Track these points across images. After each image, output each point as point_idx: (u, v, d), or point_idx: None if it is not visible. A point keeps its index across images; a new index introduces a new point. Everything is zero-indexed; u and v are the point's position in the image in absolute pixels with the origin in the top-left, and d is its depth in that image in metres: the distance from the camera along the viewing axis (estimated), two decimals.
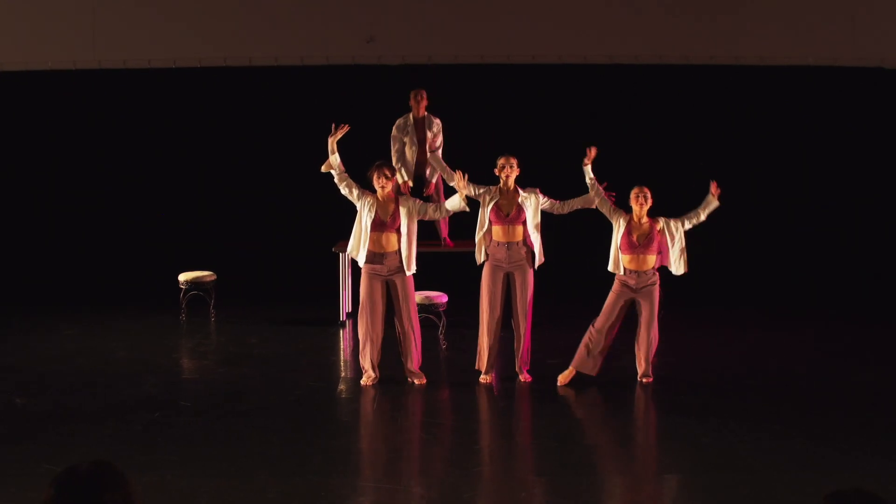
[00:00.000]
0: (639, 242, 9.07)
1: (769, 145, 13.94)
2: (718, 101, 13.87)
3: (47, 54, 13.23)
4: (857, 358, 10.41)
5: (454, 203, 9.29)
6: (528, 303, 9.41)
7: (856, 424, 8.20)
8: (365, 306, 9.27)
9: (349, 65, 13.42)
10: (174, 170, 13.89)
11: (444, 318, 10.82)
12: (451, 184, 9.45)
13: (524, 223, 9.32)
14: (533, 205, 9.31)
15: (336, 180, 9.20)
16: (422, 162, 11.58)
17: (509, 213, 9.29)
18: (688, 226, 9.18)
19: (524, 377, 9.47)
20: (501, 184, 9.33)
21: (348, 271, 11.88)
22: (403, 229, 9.14)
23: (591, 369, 9.31)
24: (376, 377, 9.39)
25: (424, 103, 11.55)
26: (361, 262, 9.20)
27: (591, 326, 9.30)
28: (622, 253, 9.10)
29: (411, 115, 11.57)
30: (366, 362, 9.38)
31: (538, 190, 9.36)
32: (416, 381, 9.40)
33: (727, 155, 13.76)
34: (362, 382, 9.34)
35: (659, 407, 8.94)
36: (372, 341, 9.32)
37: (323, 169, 9.29)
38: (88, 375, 9.69)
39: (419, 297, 10.25)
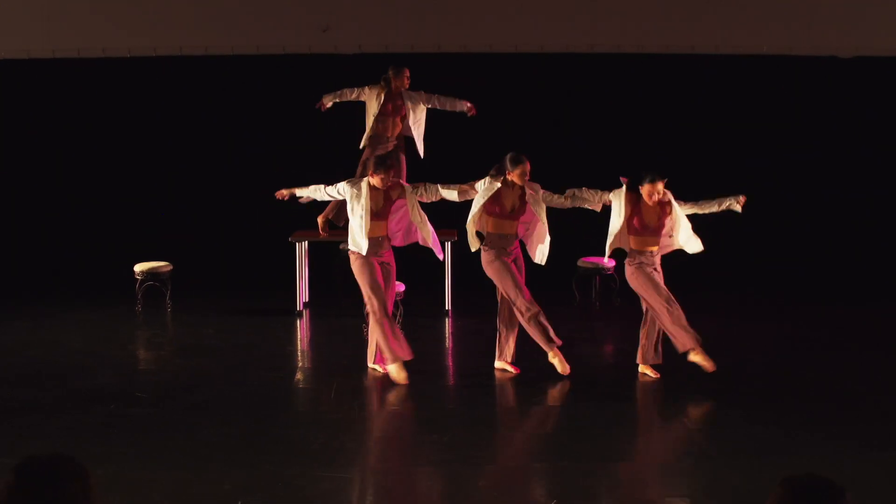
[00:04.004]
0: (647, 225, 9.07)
1: (724, 134, 14.00)
2: (673, 90, 13.92)
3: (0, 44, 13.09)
4: (817, 344, 10.51)
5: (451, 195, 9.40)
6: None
7: (812, 411, 8.27)
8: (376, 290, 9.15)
9: (305, 54, 13.36)
10: (129, 160, 13.78)
11: (401, 308, 10.82)
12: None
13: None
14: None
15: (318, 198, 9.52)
16: (386, 136, 11.38)
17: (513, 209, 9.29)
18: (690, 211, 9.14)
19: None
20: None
21: (305, 261, 11.87)
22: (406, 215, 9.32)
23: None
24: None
25: (406, 81, 11.32)
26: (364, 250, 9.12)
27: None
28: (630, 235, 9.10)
29: (384, 91, 11.29)
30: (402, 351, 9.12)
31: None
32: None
33: (684, 143, 13.81)
34: (401, 378, 9.11)
35: (614, 395, 8.98)
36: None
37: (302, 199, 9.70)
38: (43, 367, 9.63)
39: None
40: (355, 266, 9.15)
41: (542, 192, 9.20)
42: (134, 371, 9.76)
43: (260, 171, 13.58)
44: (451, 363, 9.97)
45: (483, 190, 9.13)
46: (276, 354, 10.23)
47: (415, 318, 10.35)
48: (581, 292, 12.28)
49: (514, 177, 9.07)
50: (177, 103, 13.69)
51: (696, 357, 8.94)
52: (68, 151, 13.72)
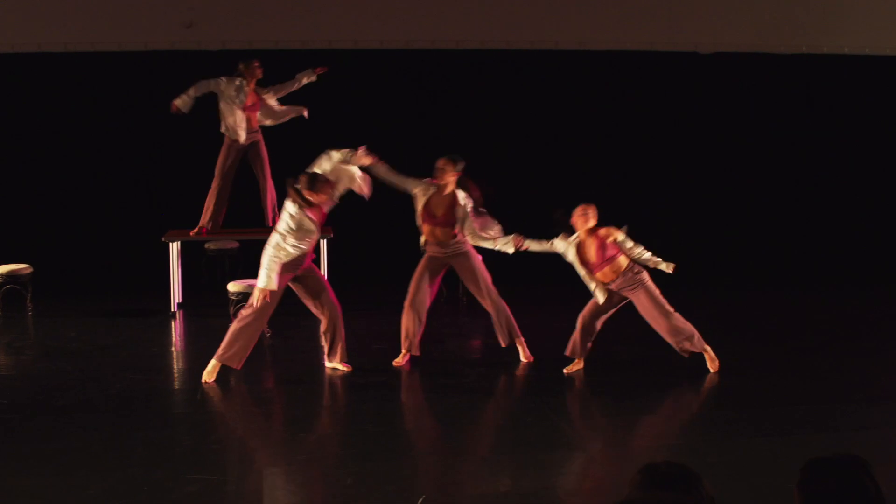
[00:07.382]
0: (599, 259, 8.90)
1: (589, 131, 14.17)
2: (543, 86, 14.03)
3: None
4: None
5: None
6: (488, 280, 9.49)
7: (682, 399, 8.43)
8: None
9: (168, 50, 13.18)
10: None
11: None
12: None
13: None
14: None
15: None
16: (251, 127, 11.46)
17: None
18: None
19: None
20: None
21: (178, 261, 11.70)
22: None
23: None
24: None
25: (258, 72, 11.40)
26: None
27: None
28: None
29: (247, 82, 11.37)
30: None
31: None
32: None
33: (568, 138, 13.94)
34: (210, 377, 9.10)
35: (480, 388, 9.01)
36: None
37: None
38: None
39: (246, 285, 10.20)
40: None
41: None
42: None
43: (129, 169, 13.36)
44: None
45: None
46: (142, 356, 10.05)
47: (285, 317, 10.20)
48: (448, 287, 12.27)
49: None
50: (38, 101, 13.36)
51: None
52: None
